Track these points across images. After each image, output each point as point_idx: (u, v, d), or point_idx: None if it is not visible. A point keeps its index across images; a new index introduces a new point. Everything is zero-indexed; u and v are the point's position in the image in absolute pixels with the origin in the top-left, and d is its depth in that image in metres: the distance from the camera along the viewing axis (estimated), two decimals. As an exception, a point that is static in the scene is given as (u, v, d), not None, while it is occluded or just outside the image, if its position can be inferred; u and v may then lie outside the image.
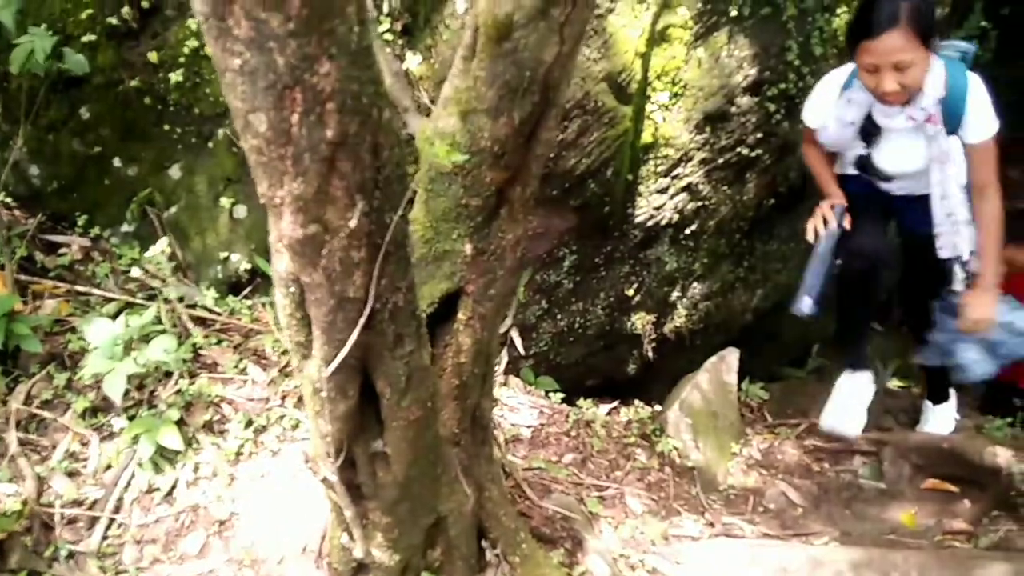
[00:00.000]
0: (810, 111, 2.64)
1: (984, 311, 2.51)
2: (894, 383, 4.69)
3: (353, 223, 1.17)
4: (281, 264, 1.32)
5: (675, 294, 3.70)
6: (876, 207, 2.73)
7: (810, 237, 2.71)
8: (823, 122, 2.58)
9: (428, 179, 1.70)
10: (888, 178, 2.62)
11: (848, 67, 2.49)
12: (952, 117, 2.38)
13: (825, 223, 2.65)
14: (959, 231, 2.49)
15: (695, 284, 3.71)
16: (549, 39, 1.40)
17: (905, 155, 2.53)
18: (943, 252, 2.54)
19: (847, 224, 2.64)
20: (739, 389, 3.78)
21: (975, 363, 2.65)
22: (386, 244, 1.26)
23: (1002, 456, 2.64)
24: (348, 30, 0.99)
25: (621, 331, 3.68)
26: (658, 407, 3.44)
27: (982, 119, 2.38)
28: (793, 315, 2.64)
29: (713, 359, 3.39)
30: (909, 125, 2.41)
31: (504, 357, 3.26)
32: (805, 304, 2.62)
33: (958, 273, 2.55)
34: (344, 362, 1.40)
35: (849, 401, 2.97)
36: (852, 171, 2.71)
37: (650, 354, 3.83)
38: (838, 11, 3.08)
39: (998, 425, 3.06)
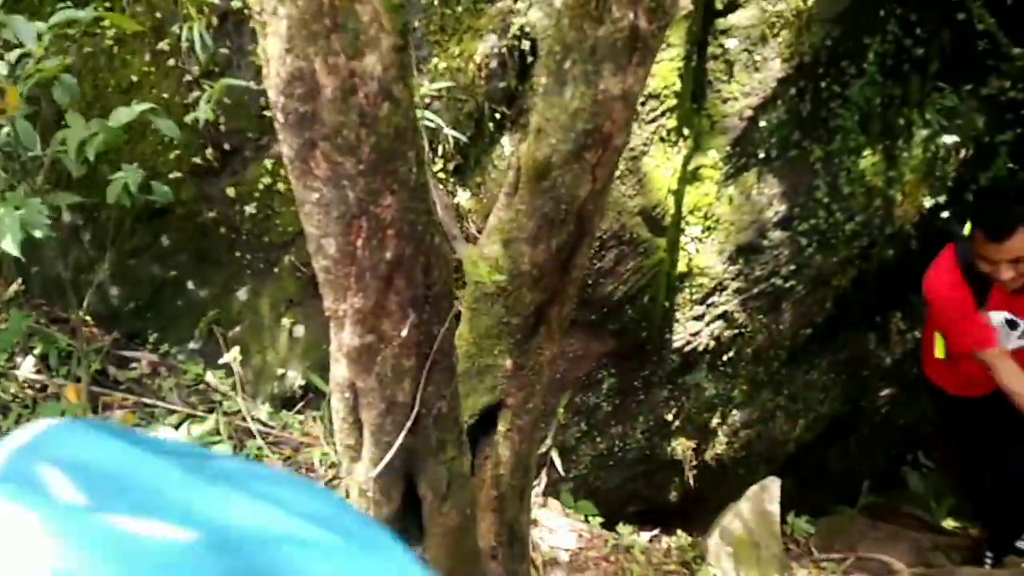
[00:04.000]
0: None
1: None
2: (948, 522, 4.55)
3: (405, 333, 1.32)
4: (339, 371, 1.47)
5: (715, 420, 3.73)
6: None
7: None
8: None
9: (473, 299, 1.86)
10: None
11: None
12: None
13: None
14: None
15: (735, 411, 3.75)
16: (583, 178, 1.59)
17: None
18: None
19: None
20: (784, 522, 3.73)
21: None
22: (433, 353, 1.41)
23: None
24: (408, 170, 1.19)
25: (661, 457, 3.70)
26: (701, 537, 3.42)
27: None
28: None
29: (755, 488, 3.38)
30: None
31: (544, 478, 3.31)
32: None
33: None
34: (390, 464, 1.52)
35: None
36: None
37: (691, 481, 3.83)
38: (864, 153, 3.27)
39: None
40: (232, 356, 2.59)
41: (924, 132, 3.35)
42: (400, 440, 1.47)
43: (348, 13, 1.02)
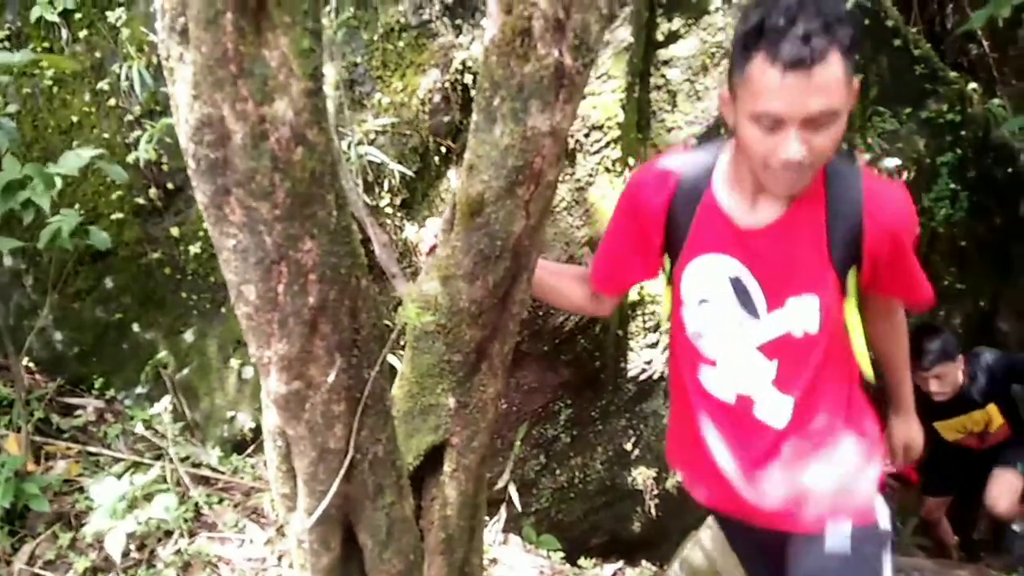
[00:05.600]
0: None
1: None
2: (914, 540, 4.58)
3: (332, 379, 1.29)
4: (270, 419, 1.43)
5: (675, 448, 3.72)
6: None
7: None
8: None
9: (414, 338, 1.83)
10: None
11: None
12: None
13: None
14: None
15: (694, 437, 3.74)
16: (516, 214, 1.58)
17: None
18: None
19: None
20: (748, 546, 3.71)
21: None
22: (365, 398, 1.38)
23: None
24: (328, 214, 1.17)
25: (622, 487, 3.68)
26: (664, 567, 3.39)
27: None
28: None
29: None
30: None
31: (503, 514, 3.26)
32: None
33: None
34: (326, 513, 1.48)
35: None
36: None
37: (653, 511, 3.80)
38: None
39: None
40: (164, 407, 2.53)
41: (867, 156, 3.41)
42: (334, 488, 1.43)
43: (255, 59, 1.00)
